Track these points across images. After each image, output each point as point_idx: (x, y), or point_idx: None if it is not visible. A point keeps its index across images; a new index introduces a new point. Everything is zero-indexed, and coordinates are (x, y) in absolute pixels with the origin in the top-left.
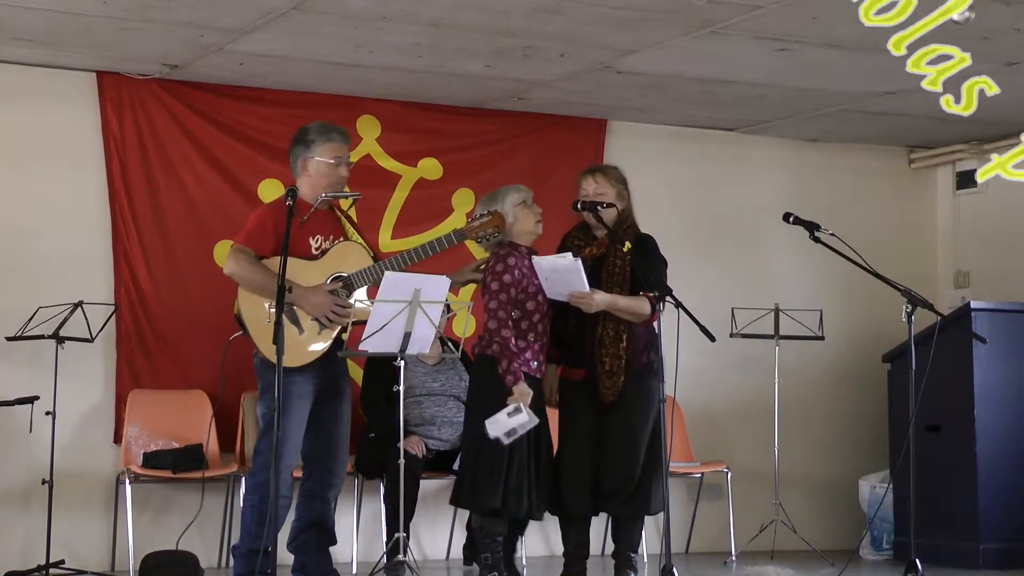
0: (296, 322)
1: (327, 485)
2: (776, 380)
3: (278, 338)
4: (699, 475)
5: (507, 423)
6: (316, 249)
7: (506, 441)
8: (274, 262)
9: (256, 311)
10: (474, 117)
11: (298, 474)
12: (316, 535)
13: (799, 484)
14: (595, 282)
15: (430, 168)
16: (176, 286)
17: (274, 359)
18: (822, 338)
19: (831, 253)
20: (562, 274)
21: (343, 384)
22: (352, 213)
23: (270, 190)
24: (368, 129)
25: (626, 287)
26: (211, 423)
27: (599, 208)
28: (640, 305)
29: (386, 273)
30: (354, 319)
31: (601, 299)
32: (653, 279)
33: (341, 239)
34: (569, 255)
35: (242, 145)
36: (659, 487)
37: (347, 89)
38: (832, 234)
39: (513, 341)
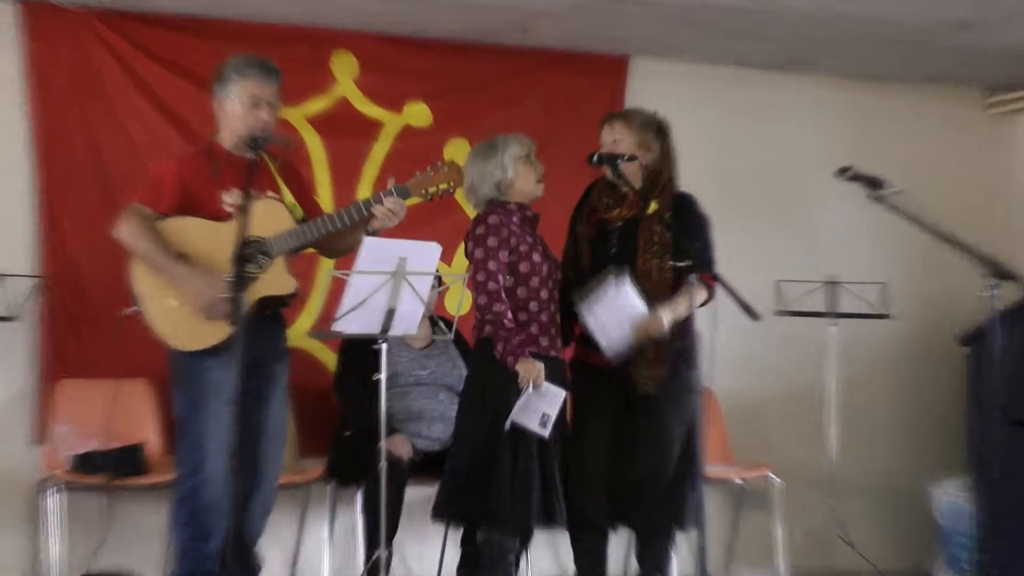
0: None
1: (252, 491)
2: (831, 366)
3: (235, 316)
4: (739, 481)
5: (532, 409)
6: (231, 206)
7: (545, 433)
8: (172, 224)
9: (148, 285)
10: (470, 54)
11: None
12: (233, 555)
13: (859, 491)
14: (631, 251)
15: (417, 114)
16: (117, 255)
17: (170, 340)
18: (887, 316)
19: (895, 215)
20: (613, 306)
21: (274, 363)
22: (323, 167)
23: None
24: (343, 68)
25: (667, 256)
26: (154, 419)
27: (618, 162)
28: (699, 296)
29: (365, 239)
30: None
31: (667, 316)
32: (694, 251)
33: (268, 195)
34: (609, 277)
35: (198, 88)
36: (693, 496)
37: (318, 18)
38: (897, 192)
39: (509, 315)
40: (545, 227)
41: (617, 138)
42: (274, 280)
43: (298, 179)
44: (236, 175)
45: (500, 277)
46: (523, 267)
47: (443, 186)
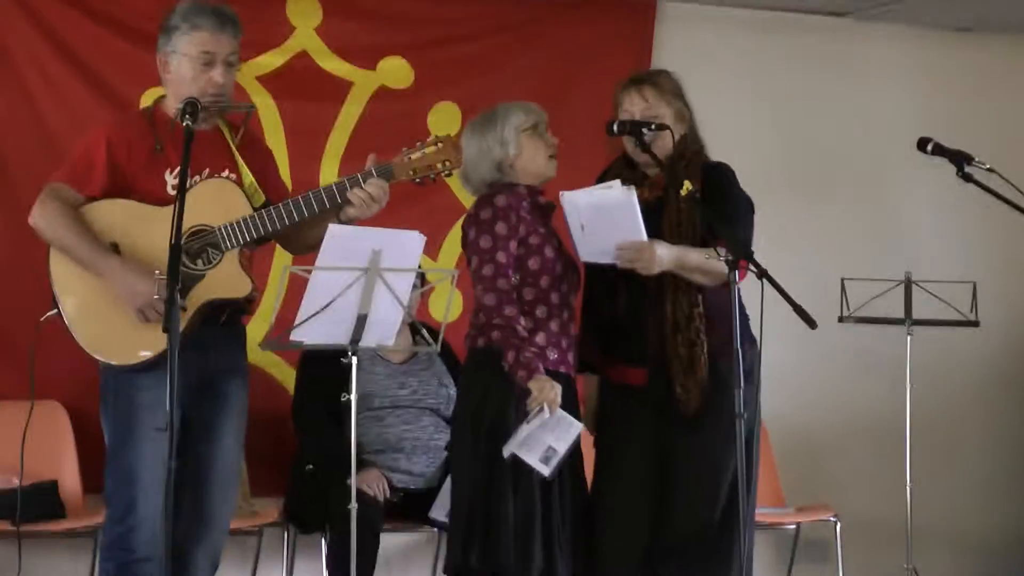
0: None
1: (196, 538)
2: (908, 386)
3: (170, 321)
4: (794, 526)
5: (537, 438)
6: (175, 188)
7: (547, 471)
8: (101, 208)
9: (70, 279)
10: None
11: None
12: None
13: (942, 540)
14: (655, 237)
15: (396, 72)
16: (19, 252)
17: (95, 353)
18: (976, 323)
19: (988, 199)
20: (607, 215)
21: (229, 384)
22: (278, 138)
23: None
24: (303, 14)
25: (698, 244)
26: (71, 450)
27: (645, 132)
28: (717, 263)
29: (330, 227)
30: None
31: (665, 254)
32: (728, 231)
33: (224, 174)
34: (617, 183)
35: (120, 38)
36: (740, 545)
37: None
38: (991, 169)
39: (523, 321)
40: (557, 214)
41: (650, 109)
42: (225, 280)
43: (262, 157)
44: (183, 149)
45: (511, 272)
46: (532, 263)
47: (438, 166)
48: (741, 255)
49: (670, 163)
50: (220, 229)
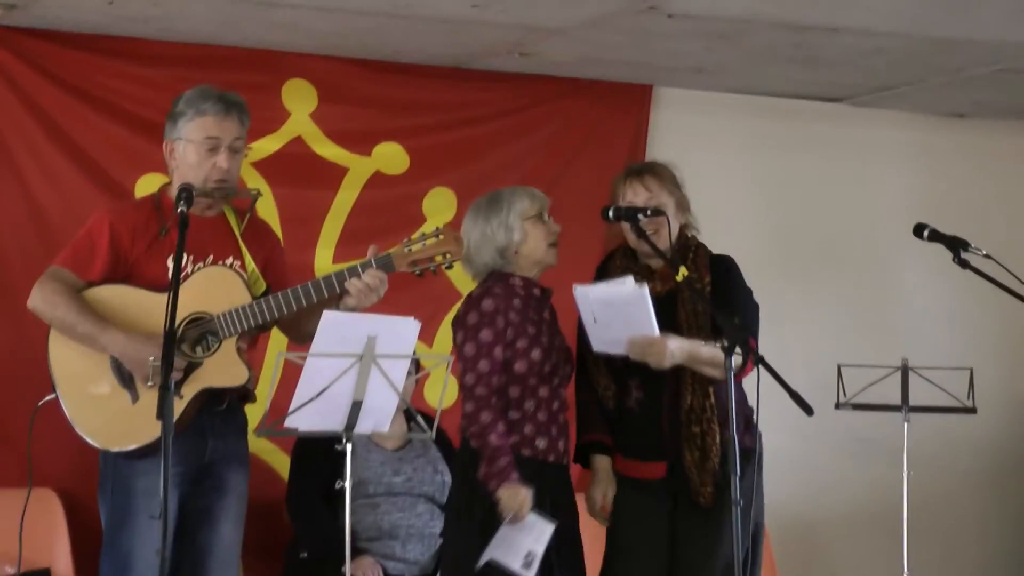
0: (128, 383)
1: None
2: (905, 473)
3: (164, 410)
4: None
5: (514, 545)
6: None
7: (528, 574)
8: (103, 293)
9: (69, 364)
10: (456, 83)
11: None
12: None
13: None
14: (671, 329)
15: (391, 157)
16: (16, 339)
17: (92, 438)
18: (974, 410)
19: (985, 285)
20: (620, 309)
21: (228, 471)
22: (273, 223)
23: (154, 188)
24: (299, 99)
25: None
26: (64, 537)
27: (641, 217)
28: (714, 357)
29: (325, 314)
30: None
31: (676, 348)
32: (724, 318)
33: (227, 261)
34: (630, 278)
35: (114, 123)
36: None
37: (268, 40)
38: (987, 255)
39: (500, 427)
40: (556, 293)
41: (655, 198)
42: (223, 368)
43: (268, 244)
44: (190, 235)
45: (493, 379)
46: (519, 366)
47: (438, 259)
48: (737, 340)
49: (673, 252)
50: (219, 317)
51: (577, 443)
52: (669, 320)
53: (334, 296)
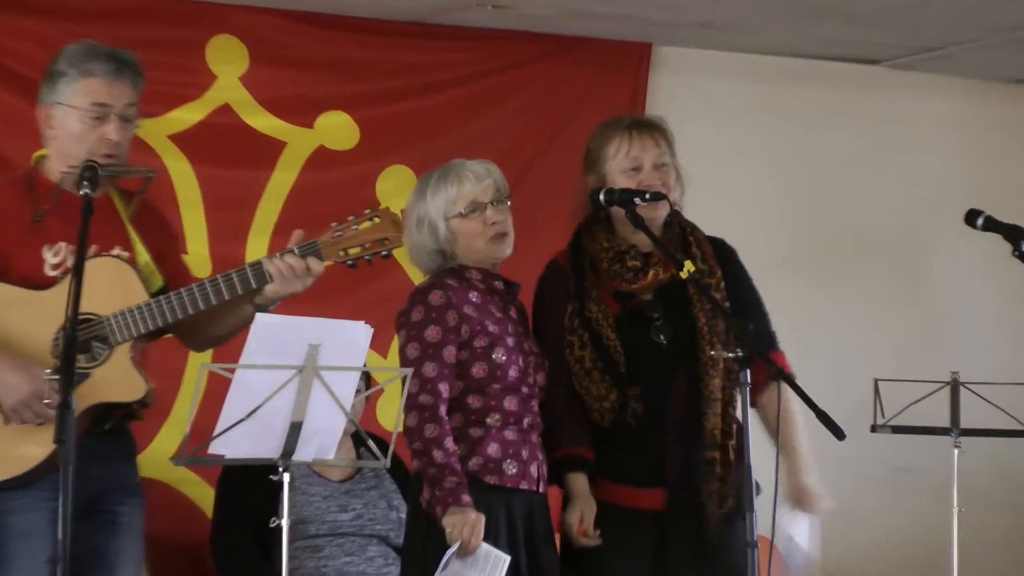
0: None
1: None
2: (955, 508)
3: (63, 432)
4: None
5: None
6: (55, 267)
7: None
8: None
9: None
10: (416, 41)
11: None
12: None
13: None
14: (685, 336)
15: (337, 130)
16: None
17: None
18: None
19: None
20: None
21: (120, 504)
22: (195, 209)
23: None
24: (226, 60)
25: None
26: None
27: (638, 201)
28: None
29: (258, 317)
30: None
31: (812, 477)
32: (738, 325)
33: (114, 252)
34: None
35: (7, 89)
36: None
37: None
38: None
39: (448, 443)
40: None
41: (662, 155)
42: (116, 380)
43: (161, 231)
44: (67, 221)
45: (441, 386)
46: (477, 370)
47: (372, 245)
48: (756, 351)
49: (669, 237)
50: (110, 319)
51: (552, 452)
52: (681, 316)
53: (251, 292)
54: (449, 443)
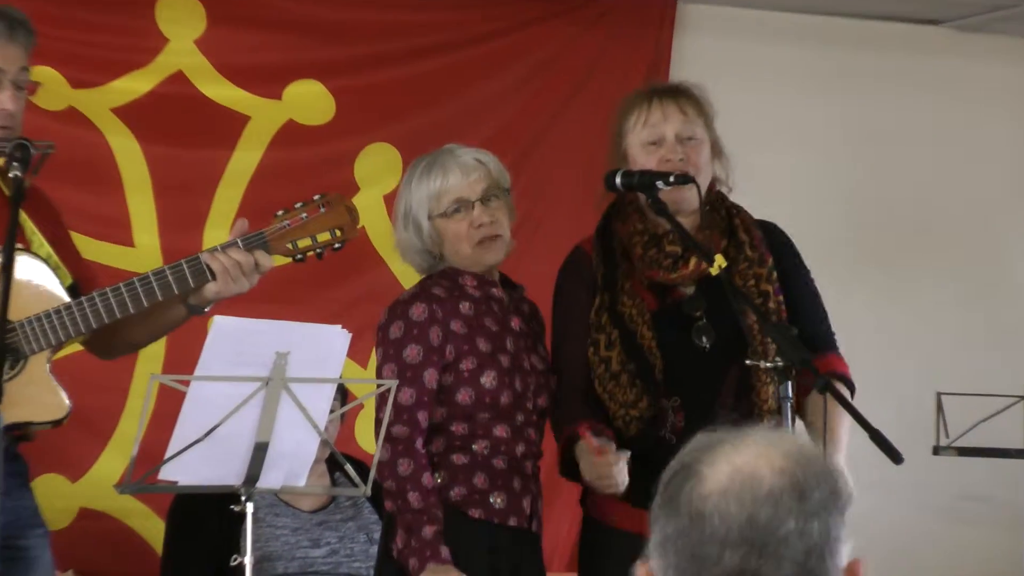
0: None
1: None
2: None
3: None
4: None
5: None
6: None
7: None
8: None
9: None
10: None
11: None
12: None
13: None
14: (731, 337)
15: (310, 102)
16: None
17: None
18: None
19: None
20: None
21: (26, 538)
22: (143, 193)
23: None
24: (180, 20)
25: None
26: None
27: (661, 185)
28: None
29: (217, 320)
30: None
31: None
32: (792, 335)
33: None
34: None
35: None
36: None
37: None
38: None
39: (425, 479)
40: (539, 289)
41: (691, 131)
42: (32, 396)
43: (51, 218)
44: None
45: (419, 415)
46: (462, 396)
47: (322, 237)
48: (799, 360)
49: (710, 222)
50: (23, 325)
51: (559, 438)
52: (726, 321)
53: (187, 290)
54: (427, 479)
